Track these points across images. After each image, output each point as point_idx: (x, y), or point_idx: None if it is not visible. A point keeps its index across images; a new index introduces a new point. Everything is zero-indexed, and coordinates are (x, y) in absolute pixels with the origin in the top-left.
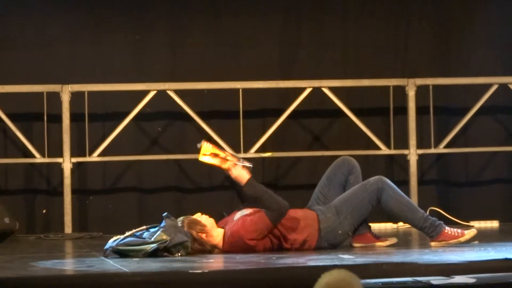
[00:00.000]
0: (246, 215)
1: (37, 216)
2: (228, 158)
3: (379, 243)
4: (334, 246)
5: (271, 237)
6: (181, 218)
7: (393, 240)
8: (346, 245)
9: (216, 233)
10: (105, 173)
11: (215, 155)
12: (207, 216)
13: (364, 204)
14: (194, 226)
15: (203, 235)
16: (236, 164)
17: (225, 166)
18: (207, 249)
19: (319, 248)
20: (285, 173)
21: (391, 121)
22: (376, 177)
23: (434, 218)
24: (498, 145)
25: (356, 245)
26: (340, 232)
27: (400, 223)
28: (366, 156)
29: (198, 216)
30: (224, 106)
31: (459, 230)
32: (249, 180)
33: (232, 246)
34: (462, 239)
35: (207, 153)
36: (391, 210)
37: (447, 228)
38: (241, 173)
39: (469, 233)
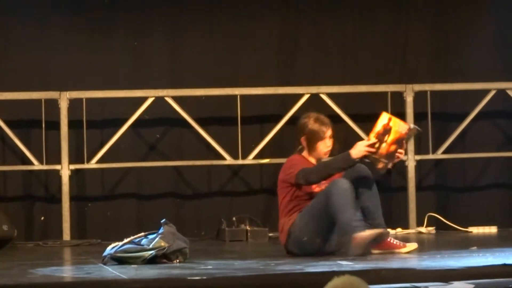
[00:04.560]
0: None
1: (35, 223)
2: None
3: (398, 250)
4: (306, 253)
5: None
6: None
7: (413, 246)
8: (333, 251)
9: None
10: (103, 180)
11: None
12: None
13: (319, 210)
14: None
15: None
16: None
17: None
18: None
19: (289, 252)
20: None
21: None
22: (332, 181)
23: (355, 226)
24: (496, 150)
25: (375, 252)
26: (305, 239)
27: (399, 229)
28: (364, 162)
29: None
30: (222, 112)
31: (400, 243)
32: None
33: None
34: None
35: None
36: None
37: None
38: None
39: (410, 246)
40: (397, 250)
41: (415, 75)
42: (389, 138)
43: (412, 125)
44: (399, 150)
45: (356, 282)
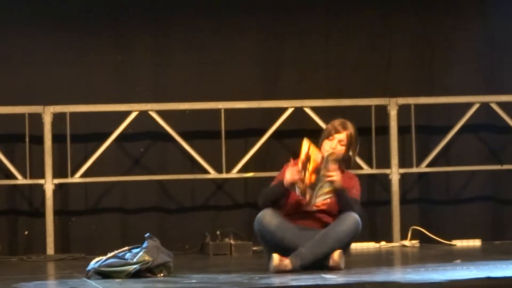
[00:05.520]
0: None
1: (19, 237)
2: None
3: None
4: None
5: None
6: None
7: None
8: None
9: None
10: (87, 194)
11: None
12: None
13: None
14: None
15: None
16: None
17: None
18: None
19: None
20: None
21: (373, 140)
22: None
23: None
24: (480, 163)
25: None
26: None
27: (383, 242)
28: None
29: None
30: (206, 126)
31: None
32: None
33: None
34: None
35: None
36: None
37: None
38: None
39: None
40: None
41: (399, 89)
42: (310, 167)
43: (326, 154)
44: (328, 174)
45: None
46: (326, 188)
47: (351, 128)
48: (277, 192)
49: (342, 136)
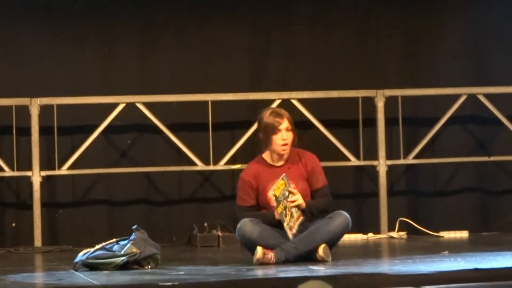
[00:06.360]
0: None
1: (6, 229)
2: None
3: None
4: None
5: None
6: None
7: None
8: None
9: None
10: (75, 186)
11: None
12: None
13: None
14: None
15: None
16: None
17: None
18: None
19: None
20: None
21: (360, 132)
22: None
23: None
24: (467, 155)
25: None
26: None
27: (370, 234)
28: (336, 167)
29: None
30: (194, 119)
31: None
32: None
33: None
34: None
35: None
36: None
37: None
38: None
39: None
40: None
41: (386, 81)
42: (278, 207)
43: (281, 153)
44: (289, 201)
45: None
46: (295, 215)
47: (283, 111)
48: (268, 220)
49: (285, 123)
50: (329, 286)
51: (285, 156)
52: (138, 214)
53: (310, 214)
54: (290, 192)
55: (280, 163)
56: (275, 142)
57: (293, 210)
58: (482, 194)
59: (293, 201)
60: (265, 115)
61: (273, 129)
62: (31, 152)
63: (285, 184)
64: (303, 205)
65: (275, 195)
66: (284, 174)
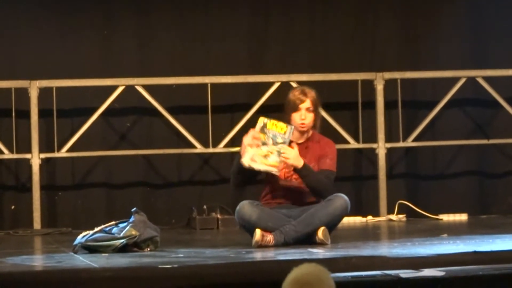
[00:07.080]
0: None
1: (5, 212)
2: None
3: None
4: None
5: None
6: None
7: None
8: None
9: None
10: (74, 169)
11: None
12: None
13: None
14: None
15: None
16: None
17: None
18: None
19: None
20: None
21: (359, 115)
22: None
23: None
24: (466, 138)
25: None
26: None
27: (369, 217)
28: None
29: None
30: (193, 101)
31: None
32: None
33: None
34: None
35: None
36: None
37: None
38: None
39: None
40: None
41: (385, 63)
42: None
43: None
44: (283, 152)
45: (317, 270)
46: (271, 161)
47: (311, 92)
48: (240, 171)
49: (307, 103)
50: (323, 267)
51: (306, 135)
52: (137, 196)
53: (307, 179)
54: (287, 146)
55: (301, 140)
56: (293, 119)
57: (273, 156)
58: (481, 177)
59: (286, 158)
60: (292, 92)
61: (294, 107)
62: (30, 134)
63: (285, 133)
64: (299, 165)
65: (264, 123)
66: (291, 126)
